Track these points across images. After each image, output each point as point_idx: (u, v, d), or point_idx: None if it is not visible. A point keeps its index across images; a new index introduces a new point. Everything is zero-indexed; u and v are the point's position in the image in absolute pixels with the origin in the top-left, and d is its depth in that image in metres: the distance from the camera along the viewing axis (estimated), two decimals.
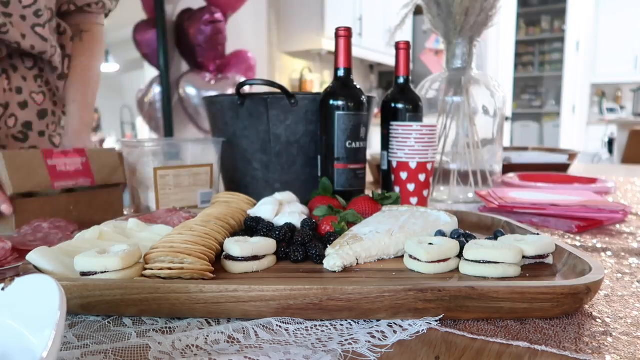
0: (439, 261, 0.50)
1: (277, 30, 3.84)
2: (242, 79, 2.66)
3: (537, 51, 6.50)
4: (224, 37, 2.57)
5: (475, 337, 0.38)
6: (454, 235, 0.58)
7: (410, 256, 0.52)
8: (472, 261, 0.50)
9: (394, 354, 0.36)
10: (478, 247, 0.50)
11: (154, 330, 0.40)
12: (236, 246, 0.51)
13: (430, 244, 0.52)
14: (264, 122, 0.87)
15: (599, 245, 0.68)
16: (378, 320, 0.41)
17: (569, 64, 5.90)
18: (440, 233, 0.58)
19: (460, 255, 0.52)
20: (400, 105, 0.89)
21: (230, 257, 0.52)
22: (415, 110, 0.89)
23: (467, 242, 0.52)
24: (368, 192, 0.77)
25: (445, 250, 0.51)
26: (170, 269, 0.46)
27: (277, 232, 0.58)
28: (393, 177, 0.86)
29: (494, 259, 0.48)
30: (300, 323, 0.40)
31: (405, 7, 1.12)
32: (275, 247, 0.54)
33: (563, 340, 0.38)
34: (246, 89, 0.87)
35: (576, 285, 0.41)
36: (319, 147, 0.84)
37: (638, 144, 2.98)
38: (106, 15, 1.06)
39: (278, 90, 0.84)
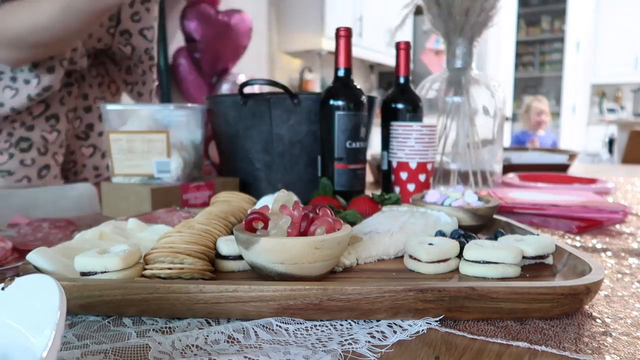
0: (439, 261, 0.50)
1: (277, 30, 3.84)
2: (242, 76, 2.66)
3: (537, 51, 6.50)
4: None
5: (475, 337, 0.38)
6: (454, 235, 0.58)
7: (411, 256, 0.52)
8: (472, 261, 0.50)
9: (394, 354, 0.36)
10: (478, 248, 0.50)
11: (153, 330, 0.40)
12: (224, 245, 0.52)
13: (431, 244, 0.52)
14: (267, 122, 0.87)
15: (599, 246, 0.68)
16: (378, 321, 0.41)
17: (569, 64, 5.91)
18: (440, 233, 0.58)
19: (460, 256, 0.52)
20: (400, 105, 0.89)
21: (221, 256, 0.52)
22: (415, 110, 0.89)
23: (467, 242, 0.53)
24: (368, 193, 0.77)
25: (446, 251, 0.51)
26: (170, 269, 0.46)
27: None
28: (393, 177, 0.86)
29: (494, 259, 0.48)
30: (300, 323, 0.40)
31: (405, 7, 1.13)
32: None
33: (563, 341, 0.38)
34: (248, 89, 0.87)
35: (576, 285, 0.41)
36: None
37: (638, 144, 2.98)
38: None
39: (280, 90, 0.84)
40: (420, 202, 0.68)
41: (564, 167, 1.49)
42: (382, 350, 0.36)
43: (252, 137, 0.88)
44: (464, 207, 0.64)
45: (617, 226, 0.81)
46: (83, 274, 0.44)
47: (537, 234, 0.59)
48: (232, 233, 0.57)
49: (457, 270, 0.52)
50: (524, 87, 6.60)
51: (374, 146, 1.24)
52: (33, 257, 0.46)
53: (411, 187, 0.84)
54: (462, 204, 0.66)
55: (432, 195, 0.68)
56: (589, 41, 5.82)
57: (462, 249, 0.52)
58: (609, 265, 0.58)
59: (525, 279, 0.49)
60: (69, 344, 0.37)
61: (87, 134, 1.10)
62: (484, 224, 0.66)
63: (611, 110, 6.09)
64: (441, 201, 0.67)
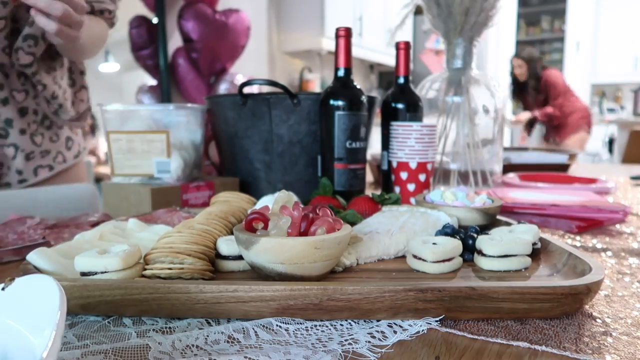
0: (443, 260, 0.51)
1: (277, 30, 3.84)
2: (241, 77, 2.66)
3: (537, 51, 6.49)
4: None
5: (475, 337, 0.38)
6: (471, 230, 0.58)
7: (415, 256, 0.52)
8: (491, 256, 0.51)
9: (394, 354, 0.36)
10: (496, 243, 0.51)
11: (154, 330, 0.40)
12: (224, 245, 0.52)
13: (434, 243, 0.52)
14: (267, 122, 0.87)
15: (599, 245, 0.68)
16: (378, 321, 0.41)
17: (569, 64, 5.90)
18: (450, 228, 0.58)
19: (470, 253, 0.54)
20: (400, 105, 0.89)
21: (221, 256, 0.52)
22: (415, 110, 0.89)
23: (476, 237, 0.54)
24: (368, 193, 0.77)
25: (450, 250, 0.51)
26: (170, 269, 0.46)
27: None
28: (393, 177, 0.86)
29: (512, 252, 0.51)
30: (300, 323, 0.40)
31: (405, 7, 1.13)
32: None
33: (563, 340, 0.38)
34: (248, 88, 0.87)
35: (576, 285, 0.41)
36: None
37: (638, 144, 2.99)
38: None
39: (280, 90, 0.84)
40: (426, 203, 0.68)
41: (564, 167, 1.49)
42: (382, 350, 0.36)
43: (251, 137, 0.88)
44: (478, 207, 0.65)
45: (617, 226, 0.81)
46: (83, 274, 0.44)
47: (522, 222, 0.62)
48: (232, 233, 0.57)
49: (460, 269, 0.52)
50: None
51: (374, 146, 1.24)
52: (33, 257, 0.46)
53: (411, 187, 0.84)
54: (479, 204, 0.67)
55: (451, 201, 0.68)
56: (589, 41, 5.82)
57: (465, 245, 0.54)
58: (609, 265, 0.58)
59: (526, 279, 0.49)
60: (69, 344, 0.37)
61: (7, 131, 0.93)
62: (492, 222, 0.67)
63: (611, 110, 6.09)
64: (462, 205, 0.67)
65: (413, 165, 0.83)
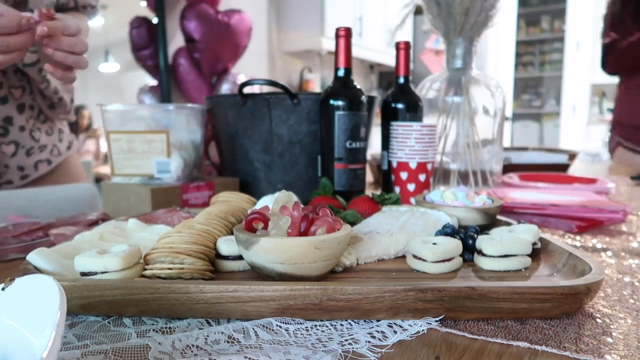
0: (443, 260, 0.51)
1: (277, 30, 3.84)
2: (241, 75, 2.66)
3: (537, 51, 6.50)
4: None
5: (475, 337, 0.38)
6: (471, 230, 0.58)
7: (415, 256, 0.52)
8: (491, 256, 0.51)
9: (394, 354, 0.36)
10: (496, 242, 0.51)
11: (154, 330, 0.40)
12: (224, 245, 0.52)
13: (434, 243, 0.52)
14: (267, 122, 0.87)
15: (599, 245, 0.68)
16: (378, 321, 0.41)
17: (569, 64, 5.90)
18: (450, 228, 0.58)
19: (462, 255, 0.54)
20: (400, 105, 0.89)
21: (221, 256, 0.52)
22: (415, 110, 0.89)
23: (476, 237, 0.54)
24: (368, 193, 0.77)
25: (450, 250, 0.51)
26: (170, 269, 0.46)
27: None
28: (393, 177, 0.86)
29: (512, 252, 0.51)
30: (300, 323, 0.40)
31: (405, 7, 1.13)
32: None
33: (563, 340, 0.38)
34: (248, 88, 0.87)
35: (576, 285, 0.41)
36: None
37: None
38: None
39: (280, 90, 0.84)
40: (426, 203, 0.68)
41: (564, 167, 1.49)
42: (382, 350, 0.36)
43: (252, 137, 0.88)
44: (478, 207, 0.65)
45: (617, 226, 0.81)
46: (83, 274, 0.44)
47: (522, 222, 0.62)
48: (232, 233, 0.57)
49: (460, 269, 0.52)
50: (524, 87, 6.59)
51: (374, 146, 1.24)
52: (33, 257, 0.46)
53: (411, 187, 0.84)
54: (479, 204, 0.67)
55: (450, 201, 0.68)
56: (589, 41, 5.82)
57: (465, 245, 0.54)
58: (609, 265, 0.58)
59: (526, 279, 0.49)
60: (69, 344, 0.37)
61: (6, 129, 0.93)
62: (492, 222, 0.67)
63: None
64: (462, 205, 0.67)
65: (413, 165, 0.83)
